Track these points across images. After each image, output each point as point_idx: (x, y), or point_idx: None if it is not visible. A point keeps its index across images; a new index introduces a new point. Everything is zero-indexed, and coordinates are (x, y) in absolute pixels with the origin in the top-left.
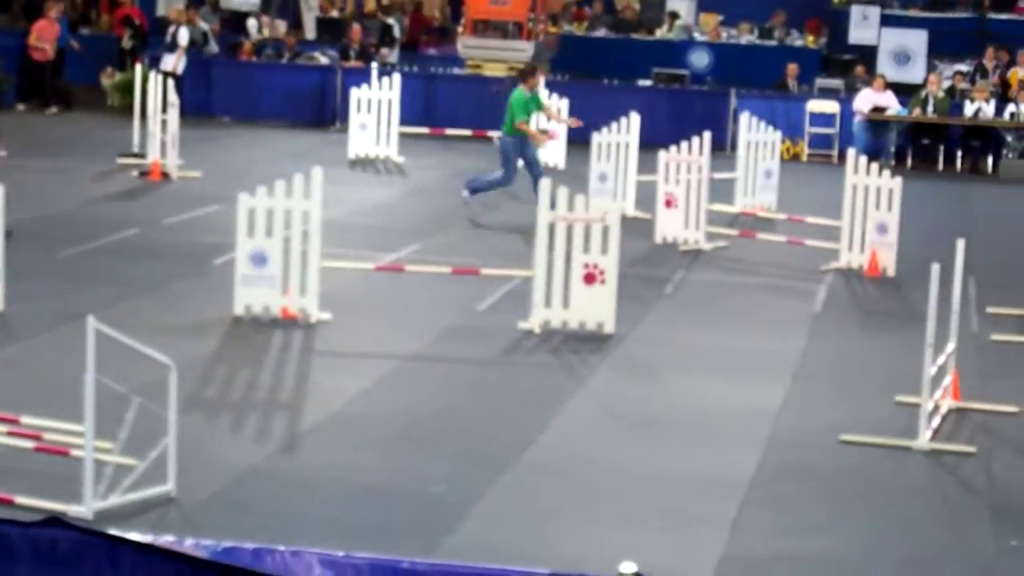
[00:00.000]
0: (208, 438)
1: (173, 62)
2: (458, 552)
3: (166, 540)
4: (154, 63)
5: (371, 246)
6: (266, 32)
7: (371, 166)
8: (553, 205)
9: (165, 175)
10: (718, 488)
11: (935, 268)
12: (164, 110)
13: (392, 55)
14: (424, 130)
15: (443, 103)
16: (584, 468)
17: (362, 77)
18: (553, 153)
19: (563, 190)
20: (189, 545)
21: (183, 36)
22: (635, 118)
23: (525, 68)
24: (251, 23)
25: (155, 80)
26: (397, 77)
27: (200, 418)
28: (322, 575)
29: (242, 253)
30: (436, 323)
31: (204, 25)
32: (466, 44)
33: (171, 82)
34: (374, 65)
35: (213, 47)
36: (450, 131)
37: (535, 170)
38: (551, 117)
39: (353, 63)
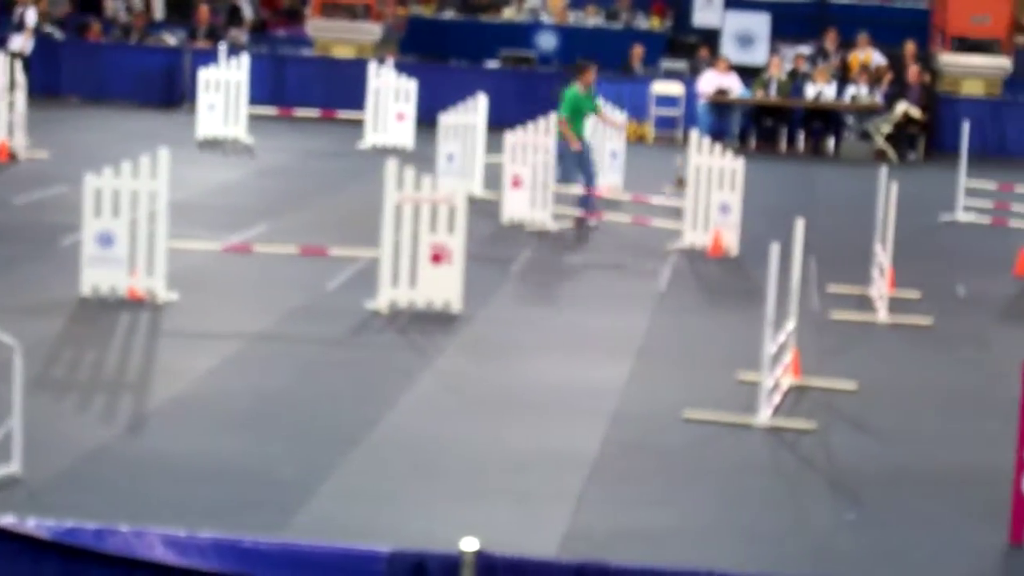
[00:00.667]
0: (54, 419)
1: (21, 43)
2: (305, 530)
3: (7, 521)
4: (1, 44)
5: (219, 226)
6: (121, 14)
7: (220, 147)
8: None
9: (12, 156)
10: (563, 465)
11: (774, 248)
12: (11, 90)
13: (241, 36)
14: (273, 111)
15: (292, 84)
16: (430, 446)
17: (211, 58)
18: (401, 134)
19: (410, 171)
20: (31, 526)
21: (31, 17)
22: (482, 99)
23: (577, 63)
24: (109, 3)
25: (2, 60)
26: (246, 58)
27: (46, 399)
28: (165, 555)
29: (89, 234)
30: (284, 303)
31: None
32: (315, 25)
33: (18, 63)
34: (222, 46)
35: (55, 33)
36: (299, 112)
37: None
38: (601, 117)
39: (201, 44)
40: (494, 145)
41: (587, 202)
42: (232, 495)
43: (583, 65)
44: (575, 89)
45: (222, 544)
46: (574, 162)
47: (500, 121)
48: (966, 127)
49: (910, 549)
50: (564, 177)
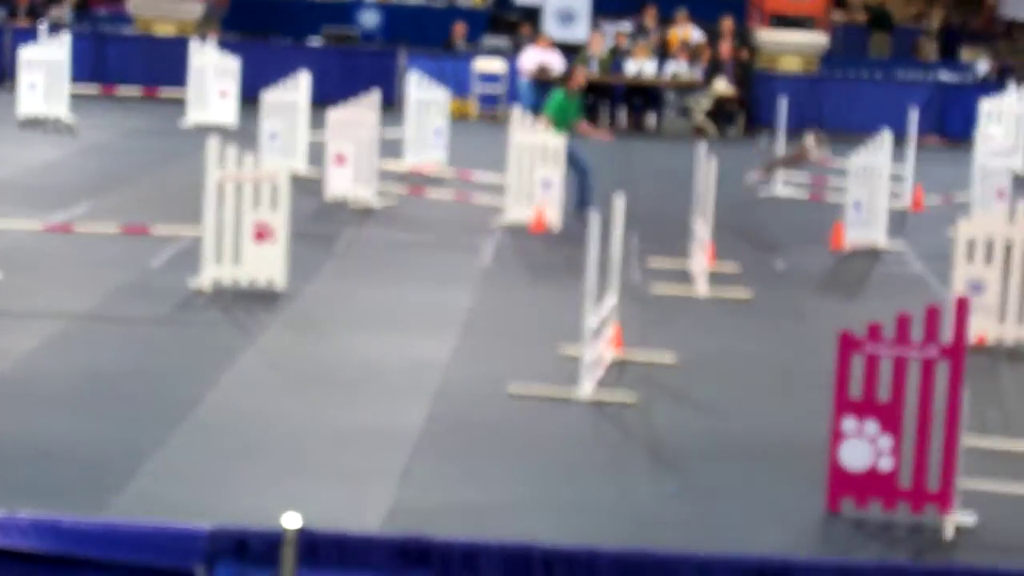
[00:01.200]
0: None
1: None
2: (127, 510)
3: None
4: None
5: (41, 206)
6: None
7: (41, 125)
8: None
9: None
10: (388, 441)
11: (595, 222)
12: None
13: (62, 14)
14: (95, 89)
15: (114, 62)
16: (254, 424)
17: (31, 36)
18: (224, 112)
19: (232, 148)
20: None
21: None
22: (305, 77)
23: (567, 69)
24: None
25: None
26: (67, 36)
27: None
28: None
29: None
30: (107, 282)
31: None
32: (136, 3)
33: None
34: (43, 24)
35: None
36: (121, 90)
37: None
38: (582, 129)
39: (22, 22)
40: (317, 122)
41: (584, 198)
42: (54, 475)
43: (572, 69)
44: (561, 93)
45: (42, 524)
46: (570, 153)
47: (323, 99)
48: (783, 103)
49: (730, 518)
50: (582, 171)
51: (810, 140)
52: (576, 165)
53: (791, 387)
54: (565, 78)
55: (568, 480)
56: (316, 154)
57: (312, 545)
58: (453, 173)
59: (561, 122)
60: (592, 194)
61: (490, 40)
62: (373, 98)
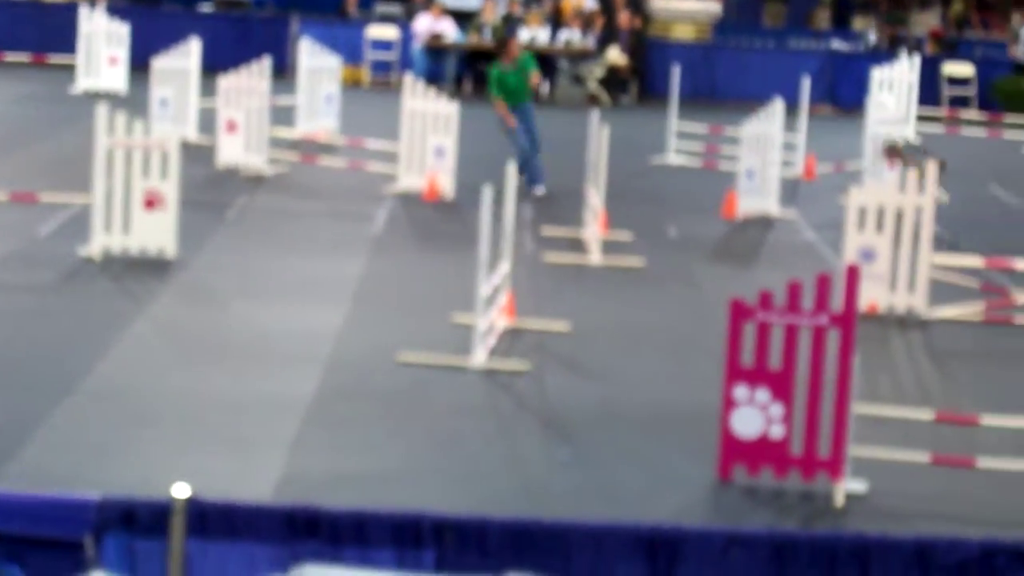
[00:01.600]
0: None
1: None
2: (15, 480)
3: None
4: None
5: None
6: None
7: None
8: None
9: None
10: (278, 410)
11: (487, 191)
12: None
13: None
14: None
15: (2, 28)
16: (144, 394)
17: None
18: (113, 78)
19: (122, 116)
20: None
21: None
22: (196, 44)
23: (499, 40)
24: None
25: None
26: None
27: None
28: None
29: None
30: None
31: None
32: None
33: None
34: None
35: None
36: (9, 56)
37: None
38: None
39: None
40: (208, 90)
41: (531, 174)
42: None
43: (504, 41)
44: (497, 68)
45: None
46: (513, 138)
47: (214, 66)
48: (676, 71)
49: (623, 486)
50: (519, 144)
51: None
52: (526, 139)
53: (684, 355)
54: (499, 51)
55: (460, 448)
56: (207, 121)
57: (201, 515)
58: (345, 141)
59: (512, 97)
60: (539, 171)
61: (383, 7)
62: (264, 65)
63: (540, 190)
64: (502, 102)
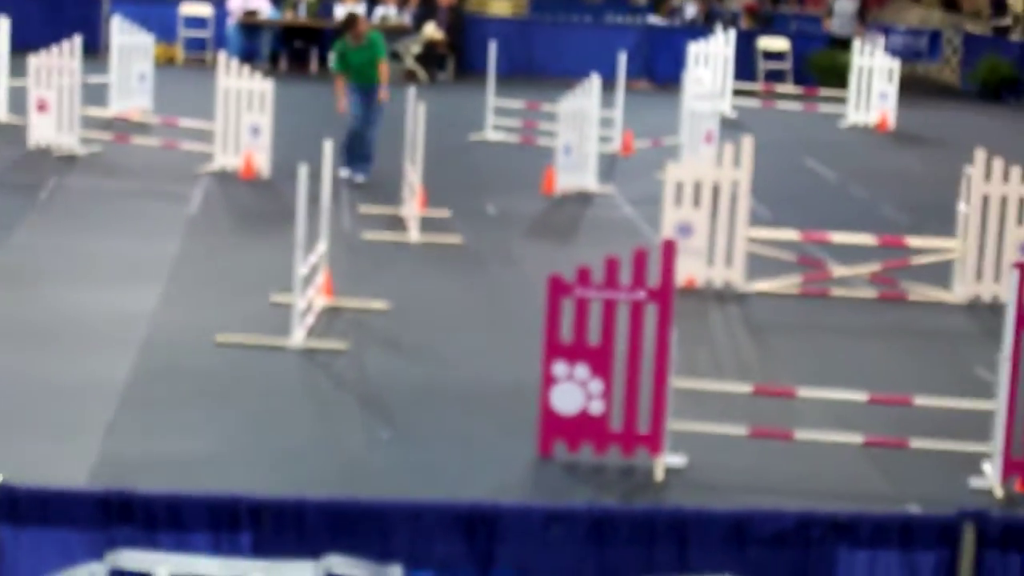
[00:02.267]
0: None
1: None
2: None
3: None
4: None
5: None
6: None
7: None
8: None
9: None
10: (94, 393)
11: (302, 169)
12: None
13: None
14: None
15: None
16: None
17: None
18: None
19: None
20: None
21: None
22: (3, 22)
23: (346, 17)
24: None
25: None
26: None
27: None
28: None
29: None
30: None
31: None
32: None
33: None
34: None
35: None
36: None
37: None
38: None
39: None
40: (18, 69)
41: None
42: None
43: (352, 18)
44: (342, 43)
45: None
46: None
47: (24, 44)
48: (493, 47)
49: (443, 464)
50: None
51: None
52: (359, 123)
53: (503, 332)
54: (346, 28)
55: (278, 429)
56: (18, 101)
57: (12, 501)
58: (159, 120)
59: (356, 76)
60: (365, 160)
61: None
62: (76, 43)
63: (359, 178)
64: (340, 79)
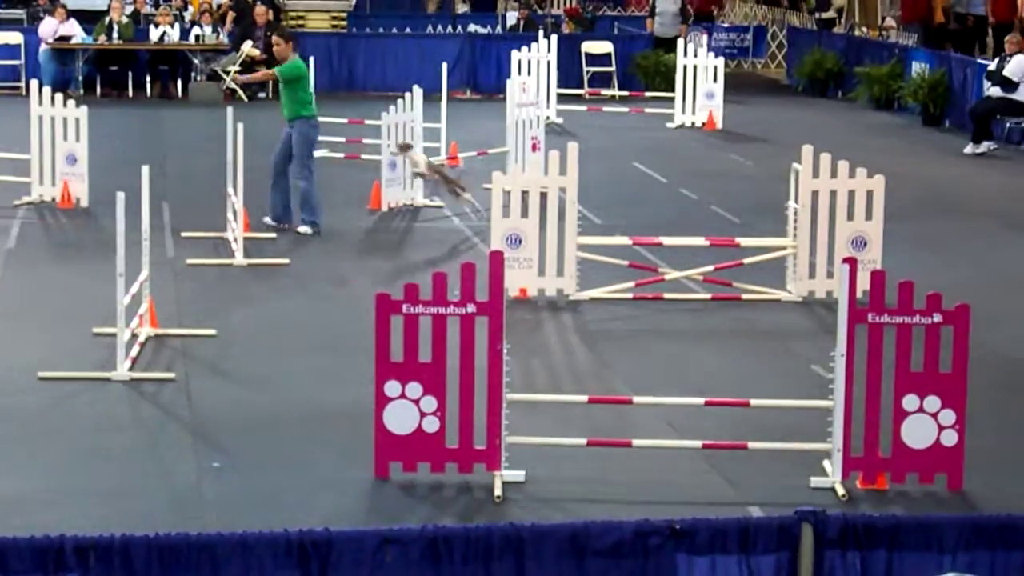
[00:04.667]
0: None
1: None
2: None
3: None
4: None
5: None
6: None
7: None
8: None
9: None
10: None
11: (120, 196)
12: None
13: None
14: None
15: None
16: None
17: None
18: None
19: None
20: None
21: None
22: None
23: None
24: None
25: None
26: None
27: None
28: None
29: None
30: None
31: None
32: None
33: None
34: None
35: None
36: None
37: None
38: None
39: None
40: None
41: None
42: None
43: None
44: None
45: None
46: None
47: None
48: (311, 63)
49: (279, 491)
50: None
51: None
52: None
53: (335, 353)
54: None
55: (105, 464)
56: None
57: None
58: None
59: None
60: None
61: (4, 11)
62: None
63: (303, 228)
64: None
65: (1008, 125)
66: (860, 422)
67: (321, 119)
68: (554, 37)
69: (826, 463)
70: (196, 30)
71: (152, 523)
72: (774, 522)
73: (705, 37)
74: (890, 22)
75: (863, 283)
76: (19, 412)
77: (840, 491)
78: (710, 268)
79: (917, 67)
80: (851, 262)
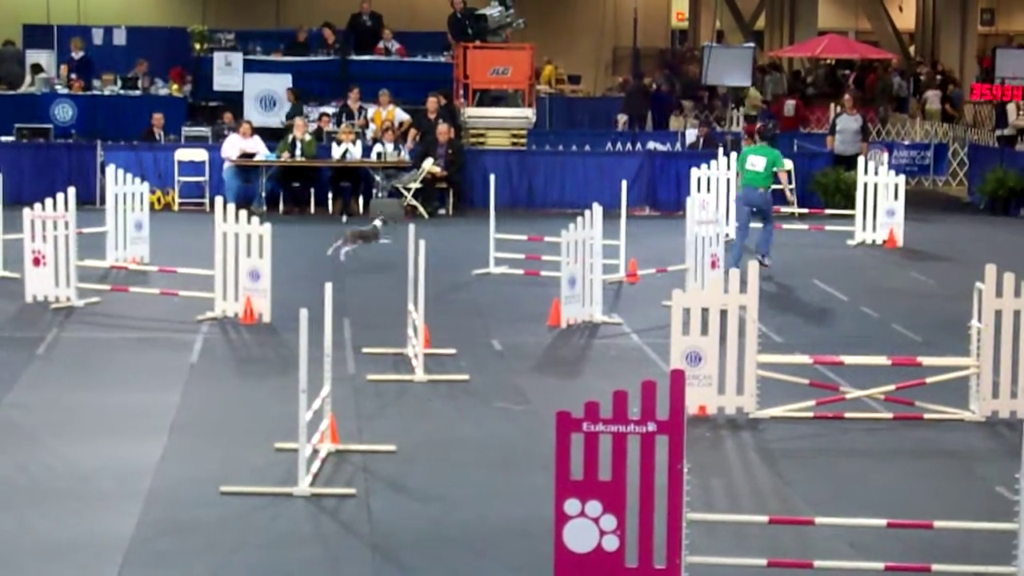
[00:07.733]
0: None
1: None
2: None
3: None
4: None
5: None
6: None
7: None
8: None
9: None
10: (96, 552)
11: (303, 312)
12: None
13: None
14: None
15: None
16: None
17: None
18: None
19: None
20: None
21: None
22: None
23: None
24: None
25: None
26: None
27: None
28: None
29: None
30: None
31: None
32: None
33: None
34: None
35: None
36: None
37: None
38: None
39: None
40: (12, 222)
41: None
42: None
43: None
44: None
45: None
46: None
47: (17, 197)
48: (492, 180)
49: None
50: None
51: (378, 223)
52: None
53: (513, 470)
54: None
55: None
56: (13, 255)
57: None
58: (157, 268)
59: None
60: None
61: (190, 129)
62: (70, 195)
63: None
64: None
65: None
66: None
67: (501, 236)
68: (734, 155)
69: None
70: (378, 147)
71: None
72: None
73: (886, 155)
74: None
75: None
76: (201, 526)
77: None
78: (892, 387)
79: None
80: None
